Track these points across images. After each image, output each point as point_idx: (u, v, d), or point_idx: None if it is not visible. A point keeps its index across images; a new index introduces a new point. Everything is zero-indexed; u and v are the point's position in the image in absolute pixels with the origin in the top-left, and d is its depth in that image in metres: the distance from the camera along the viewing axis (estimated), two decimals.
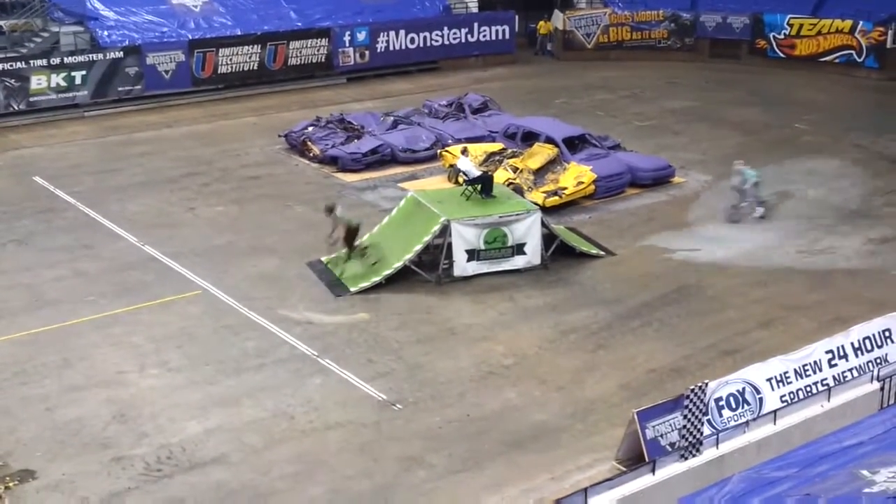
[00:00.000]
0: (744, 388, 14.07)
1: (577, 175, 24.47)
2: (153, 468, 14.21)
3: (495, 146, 26.53)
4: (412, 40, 39.39)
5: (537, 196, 23.50)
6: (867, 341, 15.56)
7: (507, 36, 41.56)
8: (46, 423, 15.29)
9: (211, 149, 29.52)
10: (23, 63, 32.12)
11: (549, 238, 20.92)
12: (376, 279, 19.80)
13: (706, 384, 13.28)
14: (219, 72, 35.51)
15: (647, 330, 18.43)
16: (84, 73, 32.95)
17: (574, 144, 26.14)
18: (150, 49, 34.19)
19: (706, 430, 13.22)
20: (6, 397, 16.01)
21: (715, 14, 41.85)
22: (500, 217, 20.41)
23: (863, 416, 12.68)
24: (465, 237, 20.14)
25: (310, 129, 29.02)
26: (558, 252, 21.05)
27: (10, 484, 13.77)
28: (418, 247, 20.03)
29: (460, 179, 23.36)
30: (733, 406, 13.96)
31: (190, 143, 30.14)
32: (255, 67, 36.19)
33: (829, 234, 22.85)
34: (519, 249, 20.52)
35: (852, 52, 39.15)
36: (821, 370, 14.93)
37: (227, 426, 15.23)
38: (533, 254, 20.63)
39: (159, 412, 15.58)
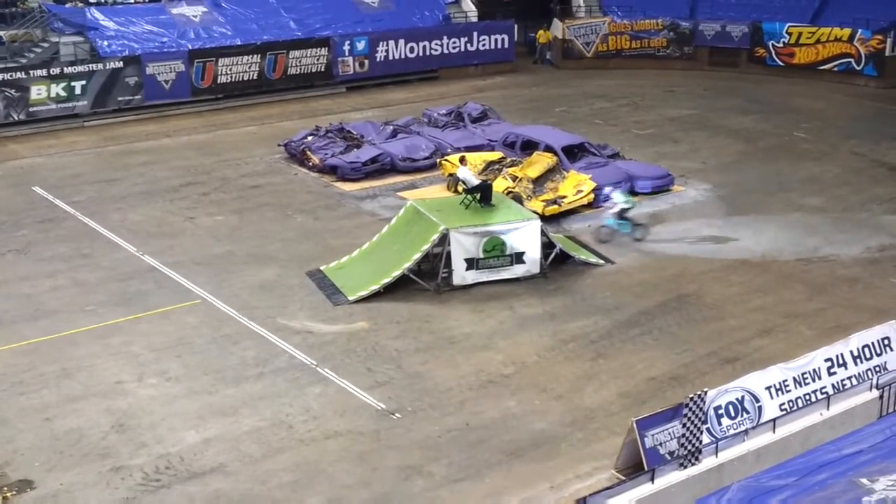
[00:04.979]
0: (743, 397, 14.04)
1: (576, 184, 24.47)
2: (152, 478, 14.19)
3: (494, 155, 26.56)
4: (411, 49, 39.48)
5: (536, 205, 23.49)
6: (866, 349, 15.51)
7: (507, 45, 41.67)
8: (45, 432, 15.27)
9: (211, 158, 29.55)
10: (22, 73, 32.20)
11: (548, 247, 20.91)
12: (375, 287, 19.79)
13: (705, 392, 13.25)
14: (218, 81, 35.60)
15: (647, 338, 18.41)
16: (84, 83, 33.02)
17: (573, 153, 26.16)
18: (150, 59, 34.27)
19: (705, 438, 13.20)
20: (4, 407, 15.98)
21: (714, 23, 41.93)
22: (500, 226, 20.41)
23: (862, 425, 12.71)
24: (464, 246, 20.13)
25: (309, 138, 29.06)
26: (557, 261, 21.05)
27: (8, 494, 13.75)
28: (417, 255, 20.03)
29: (460, 188, 23.39)
30: (732, 414, 13.92)
31: (190, 153, 30.17)
32: (255, 77, 36.27)
33: (828, 242, 22.84)
34: (518, 258, 20.52)
35: (851, 60, 39.21)
36: (820, 378, 14.89)
37: (225, 435, 15.21)
38: (532, 262, 20.62)
39: (158, 422, 15.56)
